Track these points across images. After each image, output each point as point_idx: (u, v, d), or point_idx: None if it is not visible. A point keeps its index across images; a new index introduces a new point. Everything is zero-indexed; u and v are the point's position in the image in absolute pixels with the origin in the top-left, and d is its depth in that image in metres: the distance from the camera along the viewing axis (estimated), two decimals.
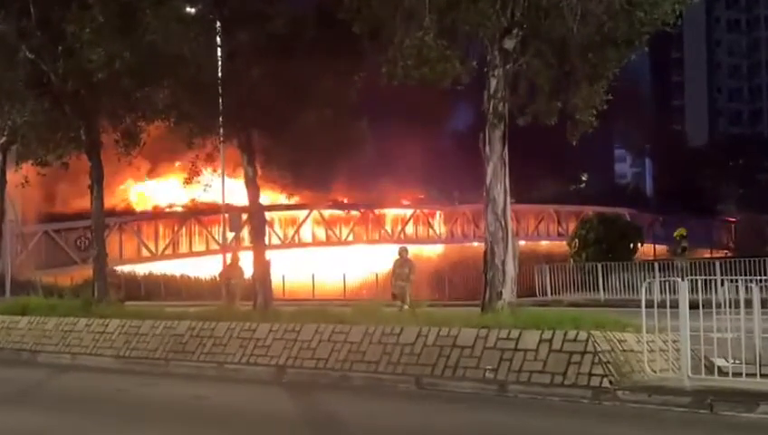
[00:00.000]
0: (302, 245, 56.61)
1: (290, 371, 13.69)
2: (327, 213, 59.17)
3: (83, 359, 16.74)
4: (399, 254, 22.18)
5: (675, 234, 33.00)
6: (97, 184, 20.71)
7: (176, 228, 53.62)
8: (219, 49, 18.38)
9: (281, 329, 14.47)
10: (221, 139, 19.36)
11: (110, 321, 17.24)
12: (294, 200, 38.42)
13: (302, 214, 57.86)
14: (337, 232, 59.67)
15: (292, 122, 18.13)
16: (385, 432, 9.55)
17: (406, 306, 19.37)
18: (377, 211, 61.82)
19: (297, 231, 57.73)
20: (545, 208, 68.84)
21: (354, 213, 59.82)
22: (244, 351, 14.60)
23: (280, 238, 55.52)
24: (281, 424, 10.11)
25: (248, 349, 14.56)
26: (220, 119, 18.57)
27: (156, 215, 54.05)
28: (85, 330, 17.43)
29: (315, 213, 58.35)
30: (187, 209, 53.82)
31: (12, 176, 23.86)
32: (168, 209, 54.91)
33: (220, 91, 18.17)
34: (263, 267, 19.48)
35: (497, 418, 10.28)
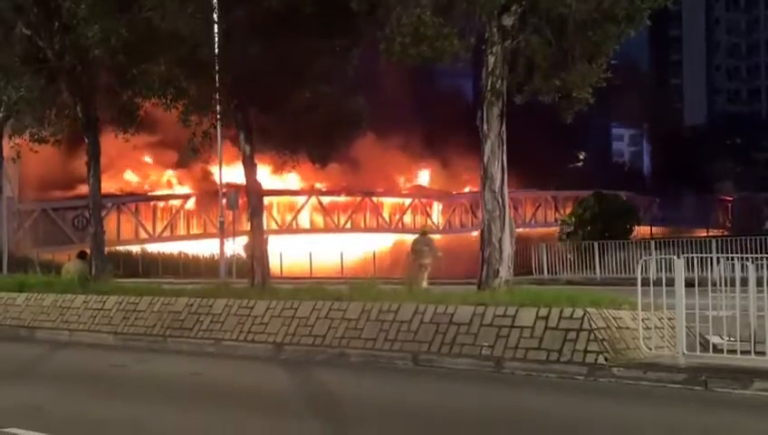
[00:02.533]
0: (299, 231, 56.52)
1: (287, 348, 13.73)
2: (326, 200, 59.06)
3: (81, 335, 16.77)
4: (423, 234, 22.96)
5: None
6: (94, 161, 20.67)
7: (174, 210, 53.57)
8: (216, 26, 18.27)
9: (278, 306, 14.50)
10: (218, 116, 19.29)
11: (107, 298, 17.27)
12: (290, 176, 38.31)
13: (300, 200, 57.75)
14: (335, 219, 59.58)
15: (288, 100, 18.05)
16: (382, 409, 9.59)
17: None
18: (375, 199, 61.66)
19: (295, 217, 57.64)
20: (542, 194, 68.52)
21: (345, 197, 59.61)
22: (241, 328, 14.64)
23: (278, 224, 55.36)
24: (279, 401, 10.15)
25: (246, 326, 14.60)
26: (217, 96, 18.49)
27: (154, 196, 53.99)
28: (83, 306, 17.46)
29: (313, 199, 58.26)
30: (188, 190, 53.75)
31: (9, 152, 23.80)
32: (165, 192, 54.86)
33: (217, 68, 18.08)
34: (260, 245, 19.47)
35: (494, 394, 10.34)
